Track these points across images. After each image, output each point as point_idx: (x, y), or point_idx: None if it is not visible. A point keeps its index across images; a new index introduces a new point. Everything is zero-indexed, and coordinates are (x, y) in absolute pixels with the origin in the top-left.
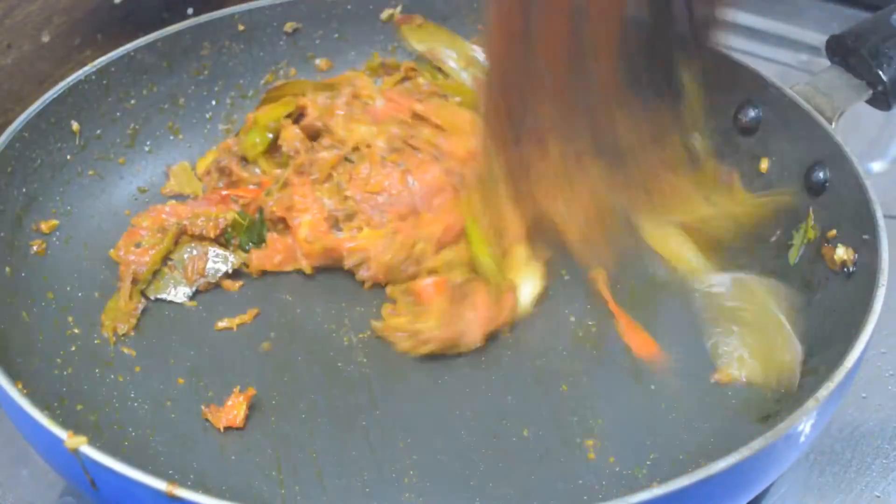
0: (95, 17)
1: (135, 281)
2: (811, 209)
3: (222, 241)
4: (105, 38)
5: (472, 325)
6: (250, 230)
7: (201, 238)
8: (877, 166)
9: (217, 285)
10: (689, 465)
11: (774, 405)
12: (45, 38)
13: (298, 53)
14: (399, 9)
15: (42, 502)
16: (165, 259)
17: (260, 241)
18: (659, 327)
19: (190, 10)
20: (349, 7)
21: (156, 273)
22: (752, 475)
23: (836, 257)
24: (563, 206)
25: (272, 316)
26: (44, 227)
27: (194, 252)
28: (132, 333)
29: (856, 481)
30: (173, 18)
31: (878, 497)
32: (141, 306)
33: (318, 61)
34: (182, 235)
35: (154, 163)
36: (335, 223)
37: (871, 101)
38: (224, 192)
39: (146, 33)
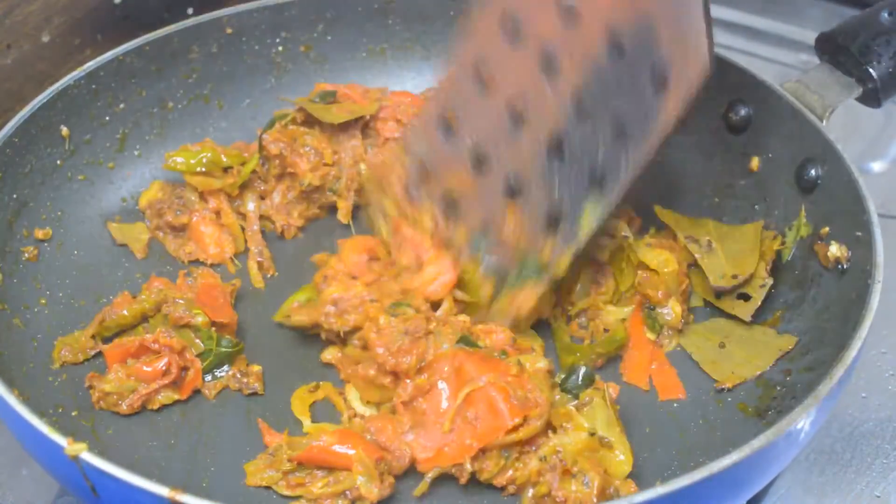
0: (95, 17)
1: (102, 322)
2: (803, 206)
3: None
4: (105, 38)
5: None
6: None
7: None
8: (877, 166)
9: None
10: (689, 463)
11: (772, 402)
12: (45, 38)
13: (288, 54)
14: None
15: (42, 502)
16: (144, 318)
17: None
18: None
19: (190, 10)
20: (336, 10)
21: (133, 328)
22: (753, 473)
23: (829, 254)
24: None
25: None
26: (39, 234)
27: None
28: (80, 360)
29: (856, 481)
30: (173, 18)
31: (878, 497)
32: (93, 351)
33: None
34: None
35: (143, 167)
36: None
37: (861, 99)
38: None
39: (146, 33)
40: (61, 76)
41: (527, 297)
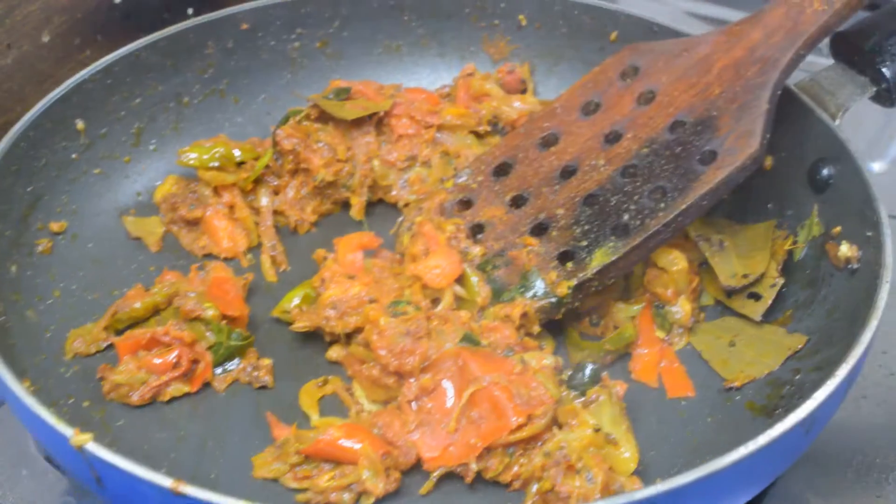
0: (95, 17)
1: (114, 314)
2: (815, 206)
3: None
4: (105, 38)
5: None
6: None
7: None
8: (877, 166)
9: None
10: (696, 461)
11: (780, 401)
12: (45, 38)
13: (304, 50)
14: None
15: (42, 502)
16: (156, 311)
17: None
18: None
19: (190, 10)
20: (352, 6)
21: (145, 320)
22: (757, 470)
23: (839, 254)
24: None
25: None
26: (54, 227)
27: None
28: (92, 352)
29: (856, 481)
30: (173, 18)
31: (879, 497)
32: (105, 343)
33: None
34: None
35: (159, 161)
36: None
37: (874, 98)
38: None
39: (146, 33)
40: (61, 76)
41: (521, 309)
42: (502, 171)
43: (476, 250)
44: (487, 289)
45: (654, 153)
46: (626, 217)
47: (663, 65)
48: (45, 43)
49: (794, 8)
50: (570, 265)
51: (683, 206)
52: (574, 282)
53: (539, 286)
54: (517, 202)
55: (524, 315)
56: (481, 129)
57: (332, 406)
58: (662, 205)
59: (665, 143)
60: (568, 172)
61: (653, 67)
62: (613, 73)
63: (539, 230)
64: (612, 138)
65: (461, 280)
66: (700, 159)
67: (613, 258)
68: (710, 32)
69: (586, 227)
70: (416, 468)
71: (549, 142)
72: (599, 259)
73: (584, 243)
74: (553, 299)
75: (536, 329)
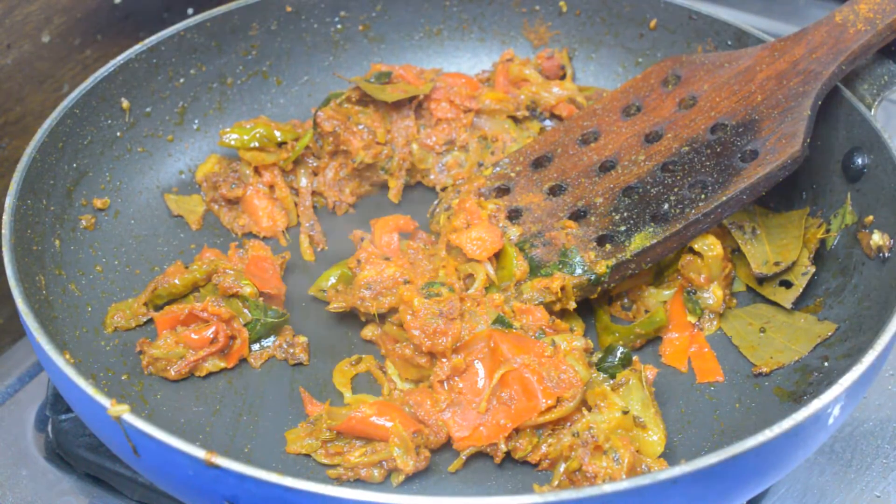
0: (95, 17)
1: (154, 290)
2: (849, 194)
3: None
4: (105, 38)
5: None
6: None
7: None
8: None
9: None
10: (722, 445)
11: (808, 388)
12: (45, 38)
13: (346, 33)
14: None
15: (42, 502)
16: (195, 287)
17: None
18: None
19: (190, 10)
20: None
21: (184, 297)
22: (779, 455)
23: (871, 243)
24: None
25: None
26: (97, 203)
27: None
28: (132, 327)
29: (856, 481)
30: (173, 18)
31: (878, 497)
32: (145, 318)
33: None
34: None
35: (202, 140)
36: None
37: None
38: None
39: (146, 33)
40: (61, 76)
41: (560, 283)
42: (540, 163)
43: (514, 230)
44: (525, 264)
45: (694, 151)
46: (665, 206)
47: (705, 74)
48: (45, 43)
49: (836, 27)
50: (608, 247)
51: (724, 199)
52: (613, 261)
53: (578, 263)
54: (555, 191)
55: (562, 289)
56: (519, 113)
57: (365, 384)
58: (703, 196)
59: (706, 142)
60: (607, 167)
61: (695, 76)
62: (655, 80)
63: (577, 216)
64: (653, 138)
65: (499, 256)
66: (741, 157)
67: (652, 242)
68: (752, 48)
69: (625, 215)
70: (445, 447)
71: (588, 139)
72: (639, 242)
73: (623, 228)
74: (591, 276)
75: (573, 305)
